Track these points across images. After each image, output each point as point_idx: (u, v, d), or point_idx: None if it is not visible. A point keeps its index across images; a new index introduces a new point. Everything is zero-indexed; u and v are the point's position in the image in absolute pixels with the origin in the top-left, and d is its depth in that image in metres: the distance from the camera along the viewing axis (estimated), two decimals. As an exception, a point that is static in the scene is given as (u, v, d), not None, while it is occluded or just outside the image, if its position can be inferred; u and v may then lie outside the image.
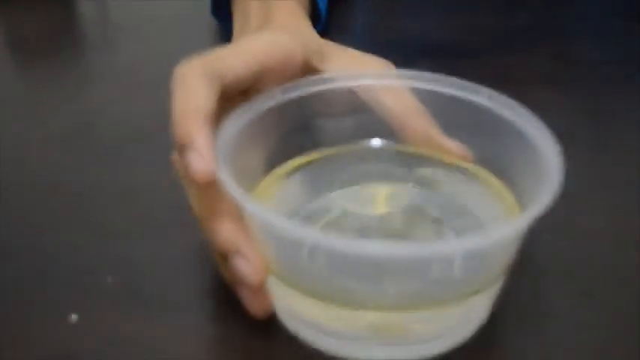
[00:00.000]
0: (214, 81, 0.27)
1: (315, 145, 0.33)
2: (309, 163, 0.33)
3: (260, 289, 0.26)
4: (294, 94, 0.31)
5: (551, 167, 0.26)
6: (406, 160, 0.33)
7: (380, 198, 0.33)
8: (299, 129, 0.33)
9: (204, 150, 0.25)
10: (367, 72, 0.33)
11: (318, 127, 0.33)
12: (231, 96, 0.29)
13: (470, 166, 0.32)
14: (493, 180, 0.31)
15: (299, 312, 0.27)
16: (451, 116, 0.32)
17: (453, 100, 0.31)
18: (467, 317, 0.27)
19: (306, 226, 0.24)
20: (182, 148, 0.25)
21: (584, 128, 0.43)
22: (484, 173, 0.31)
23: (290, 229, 0.23)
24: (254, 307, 0.26)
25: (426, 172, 0.33)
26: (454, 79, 0.32)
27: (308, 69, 0.32)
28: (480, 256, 0.25)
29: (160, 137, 0.32)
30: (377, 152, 0.34)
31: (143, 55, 0.52)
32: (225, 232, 0.25)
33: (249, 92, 0.30)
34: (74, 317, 0.29)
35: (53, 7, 0.63)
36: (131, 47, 0.54)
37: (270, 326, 0.28)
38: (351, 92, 0.32)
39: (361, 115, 0.33)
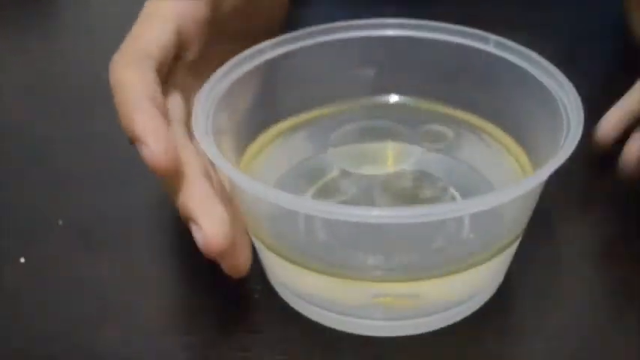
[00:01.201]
0: (143, 63, 0.25)
1: (312, 102, 0.31)
2: (307, 121, 0.31)
3: (225, 254, 0.23)
4: (284, 49, 0.29)
5: (571, 119, 0.24)
6: (414, 117, 0.30)
7: (383, 157, 0.30)
8: (294, 86, 0.30)
9: (151, 138, 0.22)
10: (366, 22, 0.30)
11: (313, 84, 0.30)
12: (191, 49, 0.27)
13: (481, 122, 0.30)
14: (505, 137, 0.29)
15: (298, 286, 0.25)
16: (457, 67, 0.29)
17: (458, 49, 0.29)
18: (482, 283, 0.25)
19: (297, 197, 0.21)
20: (133, 141, 0.23)
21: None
22: (496, 130, 0.29)
23: (281, 199, 0.21)
24: (226, 270, 0.24)
25: (434, 129, 0.30)
26: (458, 27, 0.29)
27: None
28: (491, 219, 0.23)
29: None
30: (382, 108, 0.31)
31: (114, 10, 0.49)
32: (181, 198, 0.23)
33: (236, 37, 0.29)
34: (22, 260, 0.29)
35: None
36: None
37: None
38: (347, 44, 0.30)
39: (364, 70, 0.31)
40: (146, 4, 0.27)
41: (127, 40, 0.26)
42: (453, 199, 0.27)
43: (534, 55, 0.27)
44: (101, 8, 0.51)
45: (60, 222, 0.30)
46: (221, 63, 0.27)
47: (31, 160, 0.35)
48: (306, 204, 0.21)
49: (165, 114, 0.24)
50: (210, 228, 0.22)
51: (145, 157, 0.22)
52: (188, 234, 0.23)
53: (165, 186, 0.24)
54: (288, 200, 0.21)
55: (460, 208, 0.21)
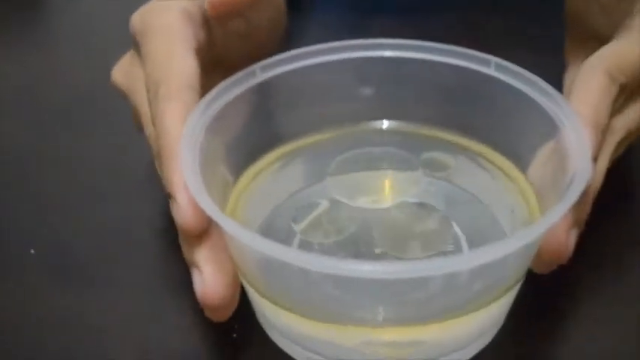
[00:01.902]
0: (187, 95, 0.23)
1: (308, 127, 0.29)
2: (304, 147, 0.29)
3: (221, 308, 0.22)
4: (276, 71, 0.27)
5: (576, 153, 0.22)
6: (414, 143, 0.29)
7: (383, 187, 0.29)
8: (288, 110, 0.29)
9: (188, 204, 0.21)
10: (362, 42, 0.28)
11: (308, 107, 0.29)
12: None
13: (481, 148, 0.28)
14: (506, 164, 0.27)
15: (292, 332, 0.24)
16: (457, 90, 0.28)
17: (458, 71, 0.27)
18: (482, 328, 0.23)
19: (285, 247, 0.20)
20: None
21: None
22: (497, 157, 0.28)
23: (267, 250, 0.19)
24: (211, 317, 0.22)
25: (434, 156, 0.29)
26: (458, 48, 0.28)
27: None
28: (494, 266, 0.22)
29: (105, 103, 0.33)
30: (381, 134, 0.30)
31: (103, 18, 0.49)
32: (183, 243, 0.22)
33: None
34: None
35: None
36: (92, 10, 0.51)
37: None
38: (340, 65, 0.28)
39: (361, 93, 0.30)
40: (146, 17, 0.26)
41: (153, 65, 0.24)
42: (455, 235, 0.26)
43: (536, 78, 0.26)
44: (90, 14, 0.50)
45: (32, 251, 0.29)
46: None
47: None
48: (293, 256, 0.20)
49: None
50: (213, 277, 0.21)
51: (174, 215, 0.22)
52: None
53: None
54: (274, 250, 0.19)
55: (459, 263, 0.20)
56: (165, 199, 0.23)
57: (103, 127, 0.36)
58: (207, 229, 0.22)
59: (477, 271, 0.21)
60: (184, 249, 0.22)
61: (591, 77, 0.26)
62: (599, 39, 0.29)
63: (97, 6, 0.51)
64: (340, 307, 0.23)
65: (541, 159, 0.26)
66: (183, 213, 0.21)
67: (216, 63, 0.28)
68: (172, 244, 0.28)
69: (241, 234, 0.20)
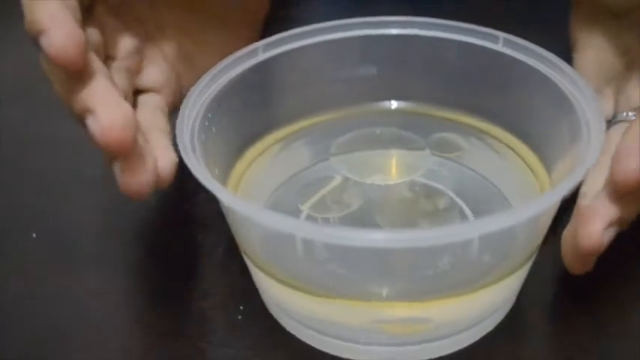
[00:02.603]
0: None
1: (312, 108, 0.29)
2: (306, 128, 0.29)
3: (126, 152, 0.20)
4: (279, 50, 0.27)
5: (591, 125, 0.21)
6: (422, 124, 0.28)
7: (389, 166, 0.28)
8: (291, 90, 0.28)
9: (56, 28, 0.20)
10: (366, 20, 0.28)
11: (311, 88, 0.28)
12: None
13: (492, 128, 0.27)
14: (518, 144, 0.27)
15: (297, 311, 0.23)
16: (465, 68, 0.27)
17: (465, 48, 0.27)
18: (492, 306, 0.23)
19: (289, 218, 0.19)
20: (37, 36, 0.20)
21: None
22: (508, 137, 0.27)
23: (273, 221, 0.19)
24: (123, 184, 0.21)
25: (444, 137, 0.28)
26: (465, 25, 0.27)
27: None
28: (503, 239, 0.21)
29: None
30: (389, 115, 0.29)
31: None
32: (79, 92, 0.20)
33: None
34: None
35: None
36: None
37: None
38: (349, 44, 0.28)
39: (366, 72, 0.29)
40: None
41: None
42: (463, 214, 0.25)
43: (546, 53, 0.25)
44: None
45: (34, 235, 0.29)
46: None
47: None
48: (300, 226, 0.19)
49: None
50: (108, 115, 0.20)
51: (45, 49, 0.20)
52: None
53: (62, 84, 0.21)
54: (279, 222, 0.19)
55: (467, 231, 0.19)
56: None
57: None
58: (91, 70, 0.20)
59: (486, 242, 0.20)
60: (71, 99, 0.21)
61: None
62: (611, 11, 0.28)
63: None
64: (346, 283, 0.22)
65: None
66: (57, 41, 0.19)
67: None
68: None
69: (246, 208, 0.19)
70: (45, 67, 0.22)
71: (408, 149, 0.28)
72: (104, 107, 0.20)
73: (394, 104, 0.29)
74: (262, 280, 0.23)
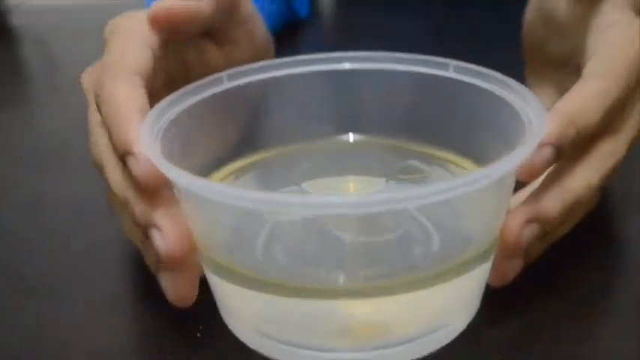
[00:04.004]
0: (133, 79, 0.24)
1: (270, 141, 0.29)
2: (263, 160, 0.29)
3: (179, 270, 0.22)
4: (243, 80, 0.28)
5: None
6: (383, 155, 0.29)
7: (346, 188, 0.29)
8: (251, 121, 0.29)
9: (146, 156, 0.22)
10: (320, 56, 0.29)
11: (273, 120, 0.29)
12: None
13: (448, 154, 0.28)
14: (475, 168, 0.27)
15: (254, 317, 0.23)
16: (420, 97, 0.28)
17: (418, 78, 0.28)
18: (451, 307, 0.23)
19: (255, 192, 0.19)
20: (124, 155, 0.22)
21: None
22: (466, 163, 0.28)
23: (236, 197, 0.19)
24: (173, 292, 0.22)
25: (405, 165, 0.29)
26: (412, 55, 0.28)
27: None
28: (453, 221, 0.21)
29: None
30: (348, 147, 0.30)
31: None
32: (139, 207, 0.22)
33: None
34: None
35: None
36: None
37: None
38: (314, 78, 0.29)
39: (320, 106, 0.30)
40: (116, 22, 0.27)
41: (109, 55, 0.25)
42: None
43: (498, 75, 0.26)
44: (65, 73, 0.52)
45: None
46: None
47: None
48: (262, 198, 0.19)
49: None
50: (174, 233, 0.21)
51: (133, 169, 0.22)
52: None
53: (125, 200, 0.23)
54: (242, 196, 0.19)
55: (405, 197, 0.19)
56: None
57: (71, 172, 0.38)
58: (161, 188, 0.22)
59: (434, 222, 0.20)
60: (139, 212, 0.22)
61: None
62: (554, 62, 0.31)
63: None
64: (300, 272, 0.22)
65: None
66: (143, 164, 0.21)
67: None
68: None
69: (180, 177, 0.20)
70: (115, 181, 0.23)
71: (366, 175, 0.29)
72: (170, 224, 0.21)
73: (352, 137, 0.30)
74: (218, 285, 0.23)
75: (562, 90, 0.29)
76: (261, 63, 0.28)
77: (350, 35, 0.57)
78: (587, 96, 0.24)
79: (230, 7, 0.30)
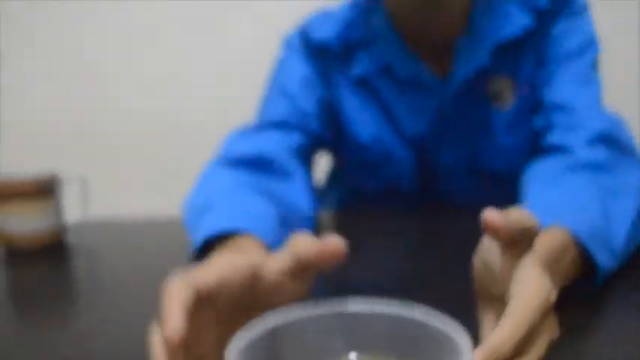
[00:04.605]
0: (189, 287, 0.39)
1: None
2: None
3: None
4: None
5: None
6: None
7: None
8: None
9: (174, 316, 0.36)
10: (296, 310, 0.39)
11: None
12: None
13: None
14: None
15: None
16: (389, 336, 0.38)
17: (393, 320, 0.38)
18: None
19: None
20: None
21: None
22: None
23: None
24: None
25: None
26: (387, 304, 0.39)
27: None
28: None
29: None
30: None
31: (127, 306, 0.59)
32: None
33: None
34: None
35: (50, 261, 0.73)
36: (118, 296, 0.62)
37: None
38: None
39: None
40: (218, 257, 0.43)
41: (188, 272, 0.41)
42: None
43: (442, 317, 0.36)
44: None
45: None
46: None
47: None
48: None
49: (188, 309, 0.38)
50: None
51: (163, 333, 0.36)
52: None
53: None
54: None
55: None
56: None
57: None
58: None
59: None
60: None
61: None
62: (494, 295, 0.44)
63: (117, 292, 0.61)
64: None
65: None
66: (166, 332, 0.36)
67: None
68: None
69: None
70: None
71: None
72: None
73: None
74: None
75: (500, 314, 0.43)
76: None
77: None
78: (505, 331, 0.38)
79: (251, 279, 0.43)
